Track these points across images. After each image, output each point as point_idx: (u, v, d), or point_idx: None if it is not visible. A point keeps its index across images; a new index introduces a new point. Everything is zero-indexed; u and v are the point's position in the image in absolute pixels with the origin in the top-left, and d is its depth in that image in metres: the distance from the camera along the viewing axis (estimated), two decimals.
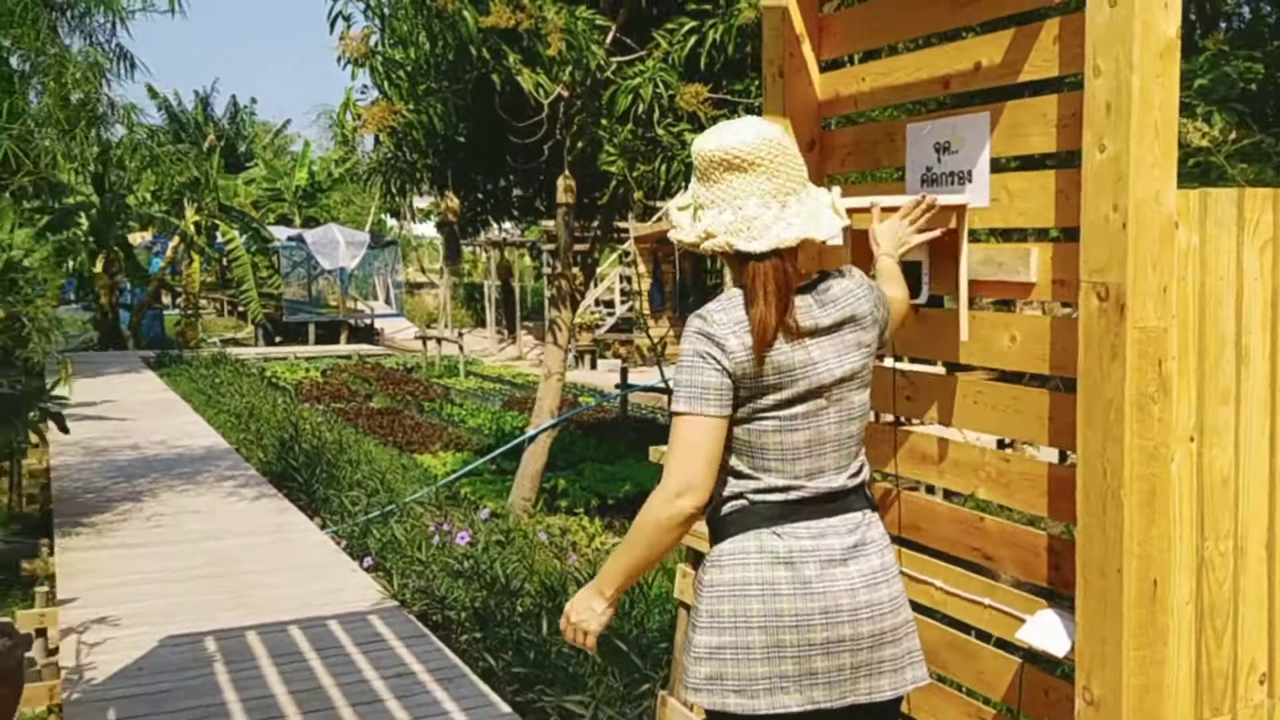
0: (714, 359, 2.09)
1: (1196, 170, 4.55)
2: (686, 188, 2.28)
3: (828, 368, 2.16)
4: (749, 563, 2.11)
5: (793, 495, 2.14)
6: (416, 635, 4.72)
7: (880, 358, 2.48)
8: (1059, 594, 2.71)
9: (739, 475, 2.17)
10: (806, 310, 2.17)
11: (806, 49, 3.46)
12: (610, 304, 24.99)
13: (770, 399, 2.12)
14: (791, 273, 2.17)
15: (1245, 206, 2.62)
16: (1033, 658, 2.83)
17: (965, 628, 3.05)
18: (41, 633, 4.77)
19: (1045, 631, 2.61)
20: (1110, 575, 2.42)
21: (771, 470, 2.14)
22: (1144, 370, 2.41)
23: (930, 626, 3.13)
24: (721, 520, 2.18)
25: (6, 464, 7.82)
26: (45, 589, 5.22)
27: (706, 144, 2.16)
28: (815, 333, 2.16)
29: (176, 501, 7.58)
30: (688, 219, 2.20)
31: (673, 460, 2.07)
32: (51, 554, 6.14)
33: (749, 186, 2.13)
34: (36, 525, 7.48)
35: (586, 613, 2.18)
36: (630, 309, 23.47)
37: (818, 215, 2.21)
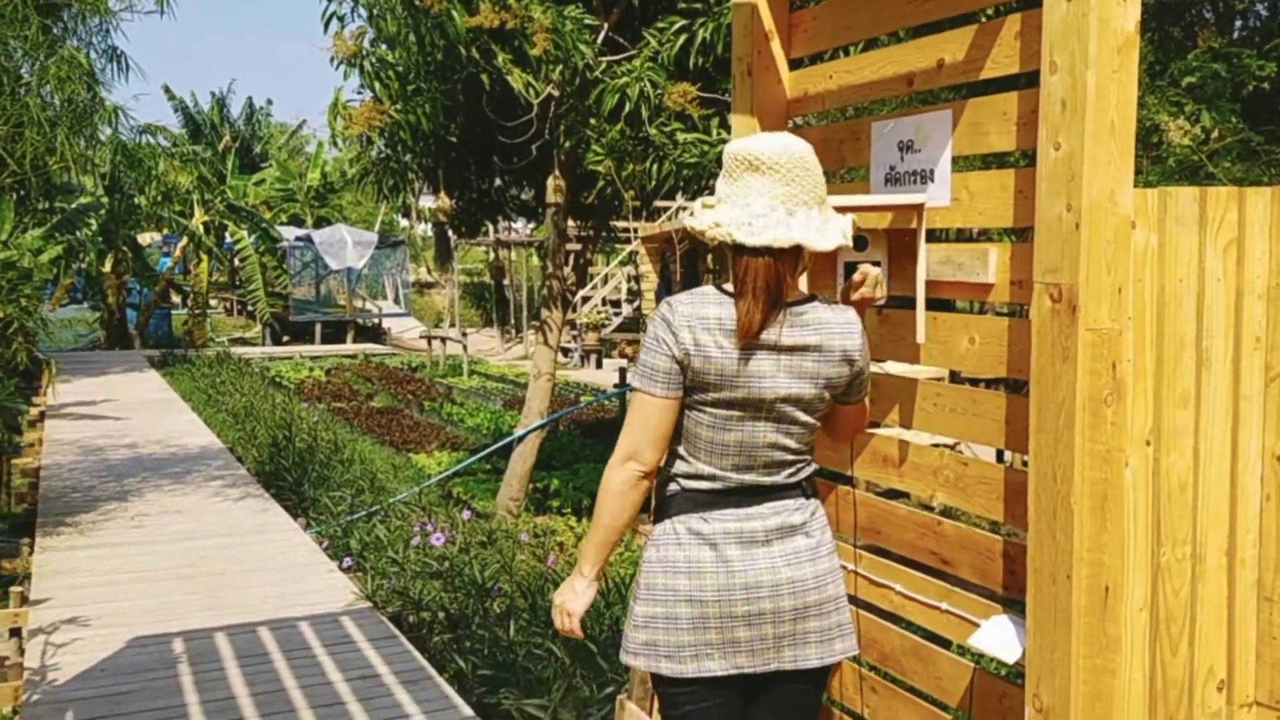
0: (666, 345, 2.25)
1: (1181, 170, 4.49)
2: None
3: (772, 384, 2.27)
4: (679, 543, 2.30)
5: (718, 485, 2.31)
6: (387, 637, 4.69)
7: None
8: (1014, 600, 2.66)
9: (678, 457, 2.34)
10: (774, 324, 2.26)
11: (775, 46, 3.42)
12: (617, 304, 24.96)
13: (710, 395, 2.27)
14: (784, 276, 2.26)
15: (1208, 205, 2.56)
16: (988, 663, 2.78)
17: (927, 633, 3.01)
18: (15, 632, 4.76)
19: (997, 638, 2.56)
20: (1060, 581, 2.37)
21: (700, 459, 2.31)
22: (1097, 373, 2.36)
23: (890, 631, 3.08)
24: (661, 502, 2.37)
25: None
26: (20, 589, 5.21)
27: (735, 144, 2.32)
28: (771, 347, 2.26)
29: (162, 501, 7.57)
30: (706, 211, 2.30)
31: (624, 431, 2.30)
32: (32, 553, 6.13)
33: (762, 187, 2.26)
34: (23, 524, 7.48)
35: (568, 593, 2.39)
36: (636, 309, 23.44)
37: (823, 230, 2.31)
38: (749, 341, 2.24)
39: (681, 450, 2.34)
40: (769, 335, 2.25)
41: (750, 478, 2.32)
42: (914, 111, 2.95)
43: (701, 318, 2.24)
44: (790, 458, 2.36)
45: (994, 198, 2.71)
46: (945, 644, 3.05)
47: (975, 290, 2.77)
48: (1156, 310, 2.50)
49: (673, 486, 2.36)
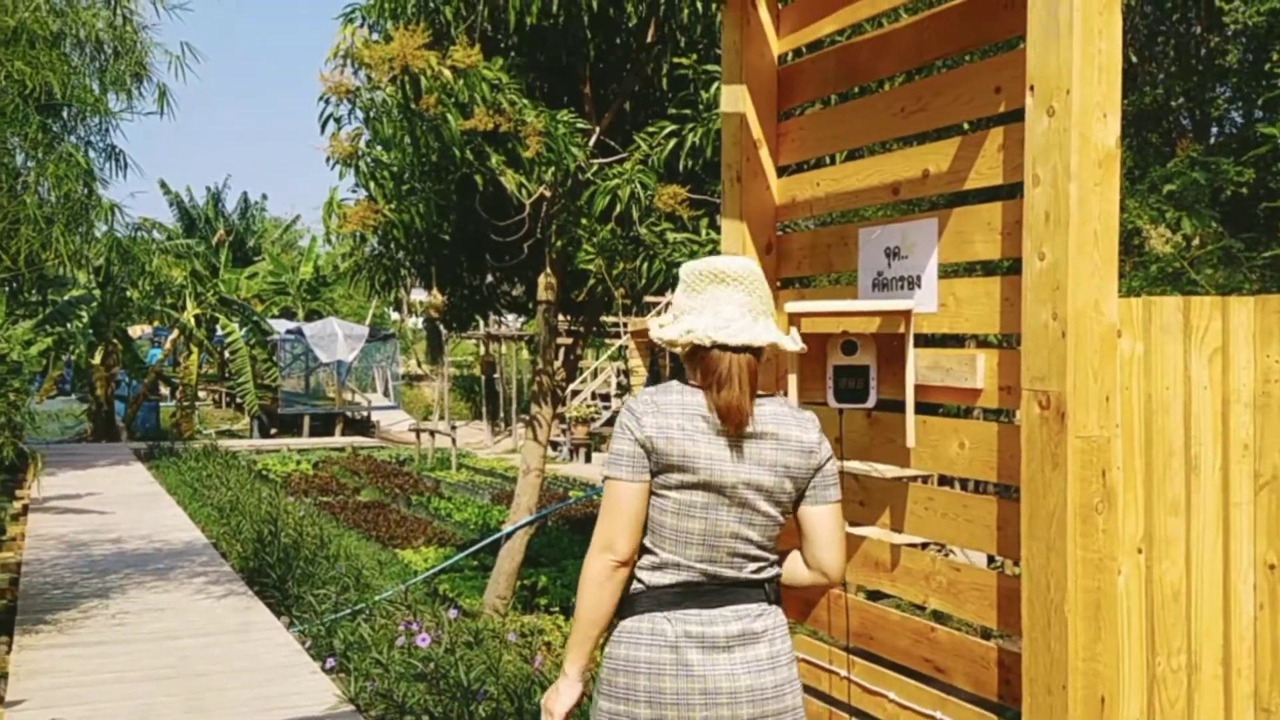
0: (629, 430, 2.36)
1: (1164, 276, 4.56)
2: (669, 285, 2.49)
3: (733, 469, 2.35)
4: (640, 643, 2.34)
5: (682, 576, 2.35)
6: None
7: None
8: (1010, 710, 2.62)
9: (644, 551, 2.39)
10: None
11: (764, 154, 3.50)
12: (606, 397, 24.98)
13: (674, 478, 2.35)
14: (756, 369, 2.43)
15: (1192, 314, 2.60)
16: None
17: None
18: None
19: None
20: (1056, 692, 2.35)
21: (665, 548, 2.36)
22: (1087, 480, 2.37)
23: None
24: (625, 599, 2.38)
25: None
26: None
27: (697, 263, 2.50)
28: (732, 435, 2.37)
29: (144, 599, 7.45)
30: (671, 322, 2.47)
31: (599, 522, 2.37)
32: (9, 652, 6.01)
33: (729, 296, 2.44)
34: (1, 621, 7.34)
35: (551, 694, 2.45)
36: (624, 402, 23.46)
37: (783, 336, 2.51)
38: (717, 429, 2.35)
39: (647, 542, 2.38)
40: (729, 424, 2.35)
41: (713, 569, 2.36)
42: (901, 219, 3.00)
43: (665, 403, 2.38)
44: (754, 551, 2.40)
45: (980, 304, 2.75)
46: None
47: (963, 395, 2.79)
48: (1144, 418, 2.52)
49: (636, 585, 2.39)
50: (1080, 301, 2.37)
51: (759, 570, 2.42)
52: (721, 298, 2.42)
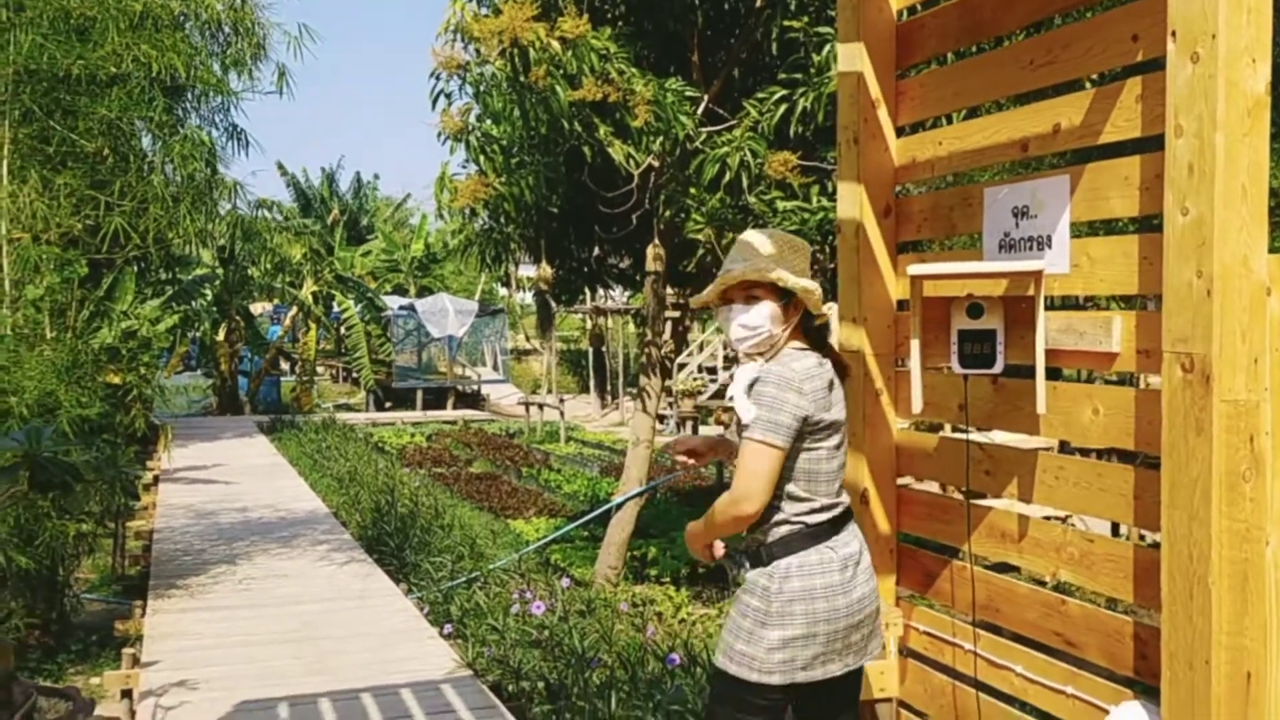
0: (791, 403, 2.58)
1: None
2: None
3: (839, 411, 2.72)
4: (813, 573, 2.64)
5: (832, 513, 2.70)
6: (487, 706, 4.65)
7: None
8: (1146, 685, 2.52)
9: (795, 499, 2.66)
10: (826, 367, 2.71)
11: (882, 114, 3.40)
12: (714, 370, 24.90)
13: (824, 432, 2.66)
14: None
15: None
16: None
17: (1046, 716, 2.87)
18: (127, 694, 4.85)
19: None
20: (1198, 667, 2.24)
21: (820, 493, 2.68)
22: (1234, 446, 2.25)
23: (1011, 716, 2.95)
24: (782, 541, 2.67)
25: (112, 526, 8.05)
26: (133, 650, 5.32)
27: (788, 234, 2.87)
28: (832, 381, 2.71)
29: (269, 565, 7.70)
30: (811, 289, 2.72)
31: (739, 476, 2.61)
32: (144, 615, 6.27)
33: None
34: (136, 586, 7.66)
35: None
36: (732, 375, 23.34)
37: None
38: (833, 380, 2.71)
39: (800, 491, 2.66)
40: (828, 371, 2.70)
41: (842, 499, 2.75)
42: (1029, 177, 2.89)
43: (807, 369, 2.65)
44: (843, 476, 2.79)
45: (1116, 264, 2.63)
46: None
47: (1098, 359, 2.68)
48: None
49: (793, 526, 2.67)
50: (1227, 258, 2.24)
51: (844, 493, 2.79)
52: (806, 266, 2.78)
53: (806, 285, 2.67)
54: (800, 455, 2.63)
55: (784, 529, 2.67)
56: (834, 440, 2.68)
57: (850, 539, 2.73)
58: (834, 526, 2.69)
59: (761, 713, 2.67)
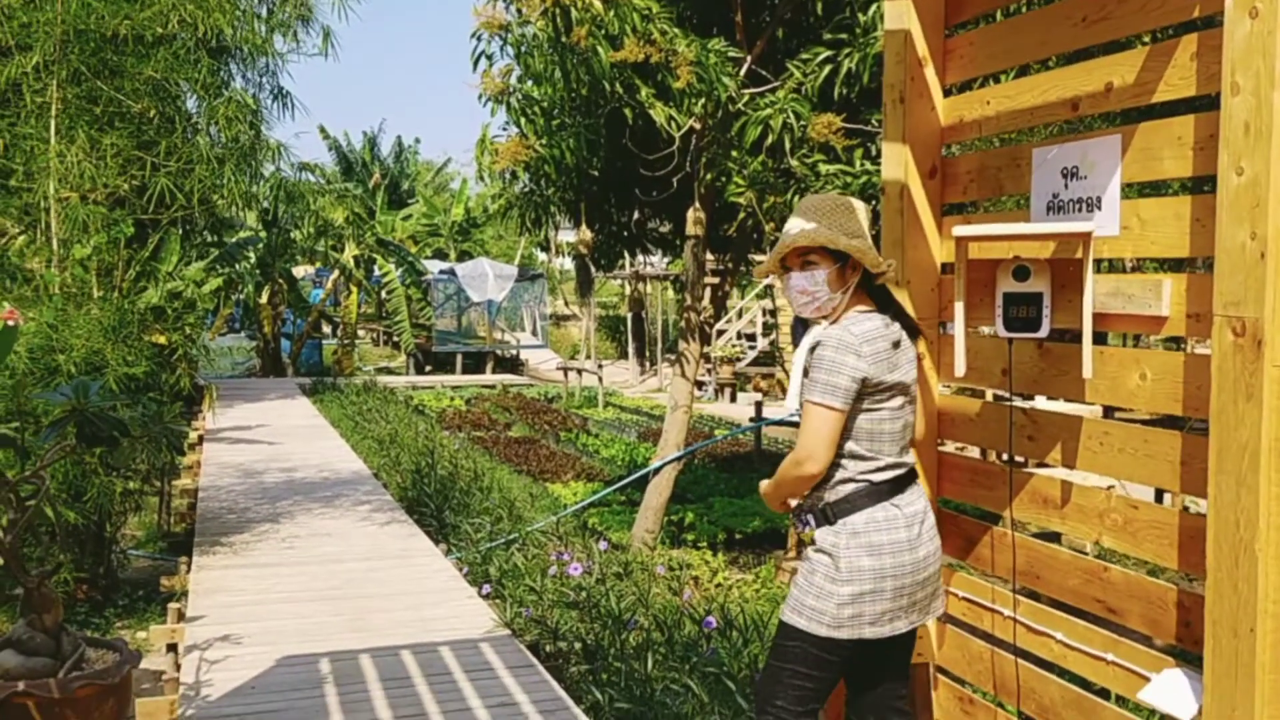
0: (848, 366, 2.65)
1: None
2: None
3: (905, 371, 2.77)
4: (880, 529, 2.70)
5: (896, 472, 2.76)
6: (525, 665, 4.69)
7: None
8: (1188, 653, 2.49)
9: (859, 458, 2.73)
10: (888, 326, 2.76)
11: (929, 73, 3.34)
12: (753, 337, 24.84)
13: (886, 393, 2.71)
14: None
15: None
16: (1159, 719, 2.61)
17: (1089, 684, 2.85)
18: (172, 647, 4.95)
19: (1171, 693, 2.40)
20: (1243, 635, 2.21)
21: (885, 452, 2.74)
22: None
23: (1050, 682, 2.93)
24: (850, 499, 2.73)
25: (158, 483, 8.19)
26: (178, 605, 5.41)
27: (846, 197, 2.88)
28: (896, 344, 2.76)
29: (312, 524, 7.79)
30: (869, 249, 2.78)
31: (801, 437, 2.71)
32: (189, 571, 6.38)
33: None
34: (181, 543, 7.79)
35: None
36: (772, 342, 23.26)
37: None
38: (894, 341, 2.74)
39: (863, 451, 2.72)
40: (893, 333, 2.75)
41: (907, 458, 2.82)
42: (1079, 137, 2.83)
43: (868, 332, 2.70)
44: (911, 434, 2.85)
45: (1168, 226, 2.58)
46: (1108, 696, 2.88)
47: (1147, 323, 2.63)
48: None
49: (855, 485, 2.74)
50: None
51: (909, 453, 2.86)
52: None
53: (856, 244, 2.70)
54: (861, 415, 2.69)
55: (848, 487, 2.74)
56: (897, 401, 2.73)
57: (915, 498, 2.79)
58: (898, 485, 2.76)
59: (827, 668, 2.75)
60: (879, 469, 2.73)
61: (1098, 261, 2.72)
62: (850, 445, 2.72)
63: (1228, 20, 2.29)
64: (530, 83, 7.49)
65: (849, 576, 2.69)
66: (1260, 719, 2.18)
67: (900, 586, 2.70)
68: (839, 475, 2.74)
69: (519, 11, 6.78)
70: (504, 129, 7.77)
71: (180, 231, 9.89)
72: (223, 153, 6.86)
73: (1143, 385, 2.63)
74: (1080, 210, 2.80)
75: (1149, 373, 2.61)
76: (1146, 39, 3.26)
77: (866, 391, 2.67)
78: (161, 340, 7.27)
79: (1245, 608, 2.21)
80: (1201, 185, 2.67)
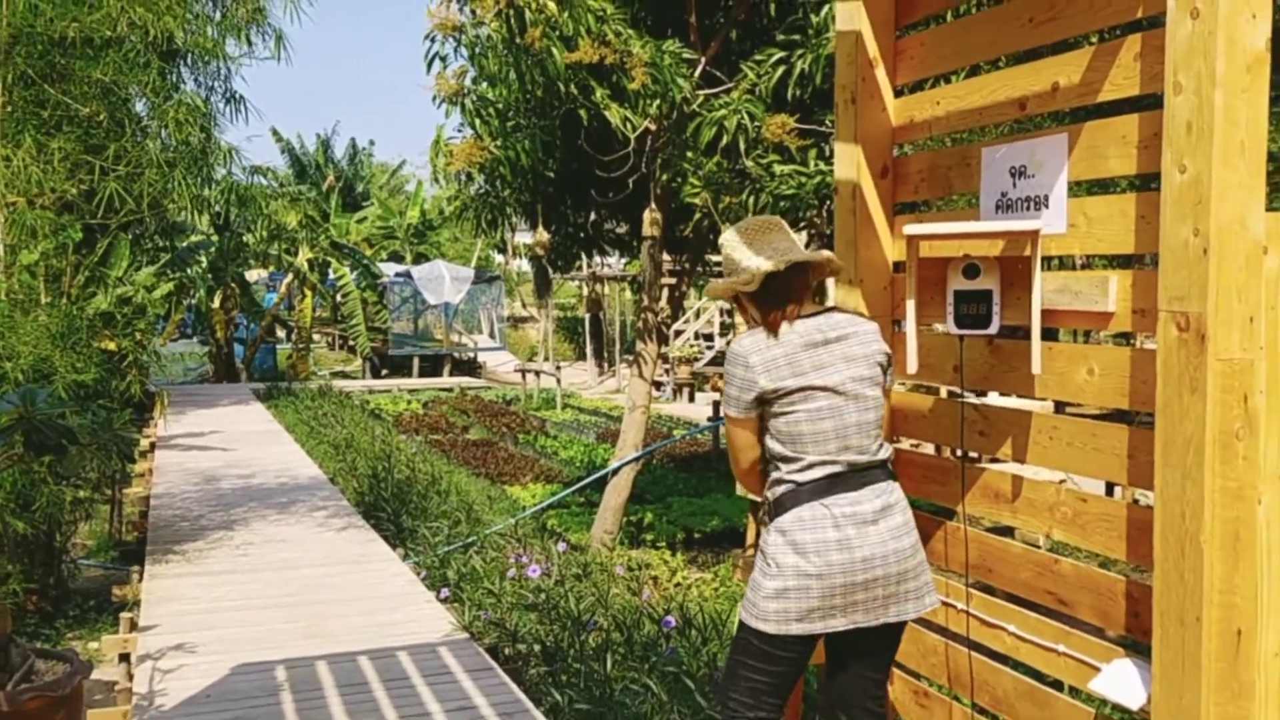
0: (739, 375, 2.80)
1: None
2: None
3: (831, 373, 2.77)
4: (805, 528, 2.73)
5: (828, 470, 2.75)
6: (484, 668, 4.68)
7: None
8: (1138, 643, 2.54)
9: (785, 460, 2.79)
10: (816, 329, 2.80)
11: (880, 74, 3.37)
12: (710, 337, 24.91)
13: (794, 396, 2.75)
14: (805, 285, 2.89)
15: None
16: (1110, 708, 2.65)
17: (1042, 676, 2.89)
18: (125, 657, 4.88)
19: (1120, 682, 2.44)
20: (1189, 625, 2.26)
21: (809, 453, 2.76)
22: (1228, 405, 2.25)
23: (1003, 674, 2.97)
24: (780, 500, 2.80)
25: (109, 492, 8.06)
26: (130, 615, 5.34)
27: (740, 225, 2.96)
28: (820, 344, 2.78)
29: (267, 530, 7.71)
30: (736, 275, 2.89)
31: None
32: (141, 580, 6.29)
33: (779, 238, 2.91)
34: (133, 552, 7.68)
35: None
36: (729, 342, 23.35)
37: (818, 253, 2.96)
38: (804, 343, 2.77)
39: (788, 452, 2.78)
40: (817, 336, 2.78)
41: (849, 458, 2.77)
42: (1027, 136, 2.87)
43: (758, 345, 2.79)
44: (875, 432, 2.81)
45: (1114, 223, 2.62)
46: (1060, 688, 2.92)
47: (1093, 319, 2.68)
48: None
49: (784, 486, 2.79)
50: (1224, 216, 2.24)
51: (878, 450, 2.81)
52: (773, 240, 2.87)
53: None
54: (778, 419, 2.78)
55: (780, 488, 2.82)
56: (814, 404, 2.74)
57: (861, 498, 2.76)
58: (832, 484, 2.75)
59: (776, 662, 2.79)
60: (804, 469, 2.76)
61: (1047, 259, 2.76)
62: (775, 447, 2.80)
63: (1170, 21, 2.34)
64: (485, 84, 7.46)
65: (775, 572, 2.75)
66: (1207, 706, 2.23)
67: (831, 586, 2.70)
68: (774, 476, 2.84)
69: (473, 13, 6.76)
70: (459, 131, 7.74)
71: (130, 236, 9.75)
72: (173, 156, 6.78)
73: (1090, 380, 2.67)
74: (1028, 208, 2.84)
75: (1096, 368, 2.65)
76: (1094, 39, 3.31)
77: (768, 398, 2.76)
78: (111, 346, 7.17)
79: (1191, 597, 2.26)
80: (1147, 183, 2.71)
